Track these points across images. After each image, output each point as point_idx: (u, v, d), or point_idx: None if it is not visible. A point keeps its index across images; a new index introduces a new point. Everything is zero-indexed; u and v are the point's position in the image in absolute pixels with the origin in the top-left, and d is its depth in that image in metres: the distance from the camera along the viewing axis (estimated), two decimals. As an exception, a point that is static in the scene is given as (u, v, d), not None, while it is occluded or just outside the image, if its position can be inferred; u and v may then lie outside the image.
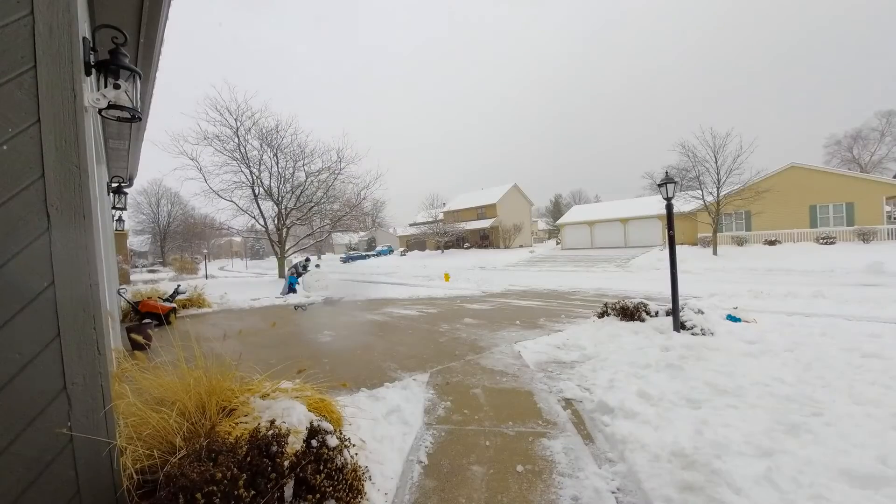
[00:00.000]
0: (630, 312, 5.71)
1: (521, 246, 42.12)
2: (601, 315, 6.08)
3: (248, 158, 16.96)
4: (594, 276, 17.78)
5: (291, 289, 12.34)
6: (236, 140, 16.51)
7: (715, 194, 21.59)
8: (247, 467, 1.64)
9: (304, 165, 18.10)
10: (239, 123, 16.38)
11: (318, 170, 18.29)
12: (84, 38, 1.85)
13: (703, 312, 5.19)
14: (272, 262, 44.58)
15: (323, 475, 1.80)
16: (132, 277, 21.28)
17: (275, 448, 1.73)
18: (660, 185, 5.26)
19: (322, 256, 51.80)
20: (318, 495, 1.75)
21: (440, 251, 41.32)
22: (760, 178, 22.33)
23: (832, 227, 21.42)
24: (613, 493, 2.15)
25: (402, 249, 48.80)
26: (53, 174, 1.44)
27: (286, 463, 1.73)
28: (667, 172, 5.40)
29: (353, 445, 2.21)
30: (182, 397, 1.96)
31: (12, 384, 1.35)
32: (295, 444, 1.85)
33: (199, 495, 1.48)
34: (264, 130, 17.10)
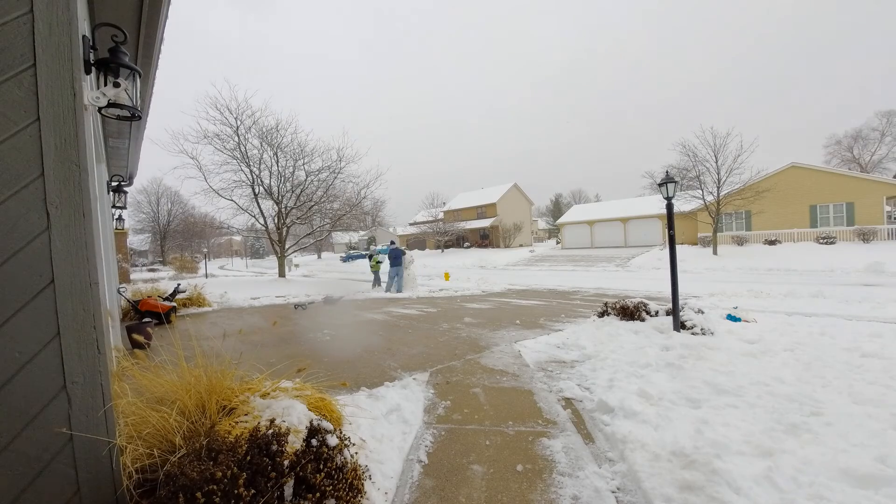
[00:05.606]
0: (630, 312, 5.70)
1: (521, 245, 42.13)
2: (601, 314, 6.07)
3: (248, 157, 16.93)
4: (594, 275, 17.78)
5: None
6: (236, 139, 16.47)
7: (715, 194, 21.58)
8: (247, 466, 1.64)
9: (304, 164, 18.08)
10: (239, 122, 16.34)
11: (318, 169, 18.27)
12: (84, 37, 1.84)
13: (703, 312, 5.19)
14: (272, 261, 44.58)
15: (323, 474, 1.80)
16: (132, 276, 21.28)
17: (275, 447, 1.73)
18: (660, 185, 5.26)
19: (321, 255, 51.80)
20: (318, 494, 1.75)
21: (440, 250, 41.31)
22: (760, 178, 22.32)
23: (832, 227, 21.42)
24: (613, 492, 2.15)
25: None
26: (53, 173, 1.44)
27: (286, 462, 1.73)
28: (667, 172, 5.40)
29: (353, 444, 2.21)
30: (182, 396, 1.96)
31: (12, 383, 1.35)
32: (295, 443, 1.85)
33: (199, 494, 1.48)
34: (264, 129, 17.07)
